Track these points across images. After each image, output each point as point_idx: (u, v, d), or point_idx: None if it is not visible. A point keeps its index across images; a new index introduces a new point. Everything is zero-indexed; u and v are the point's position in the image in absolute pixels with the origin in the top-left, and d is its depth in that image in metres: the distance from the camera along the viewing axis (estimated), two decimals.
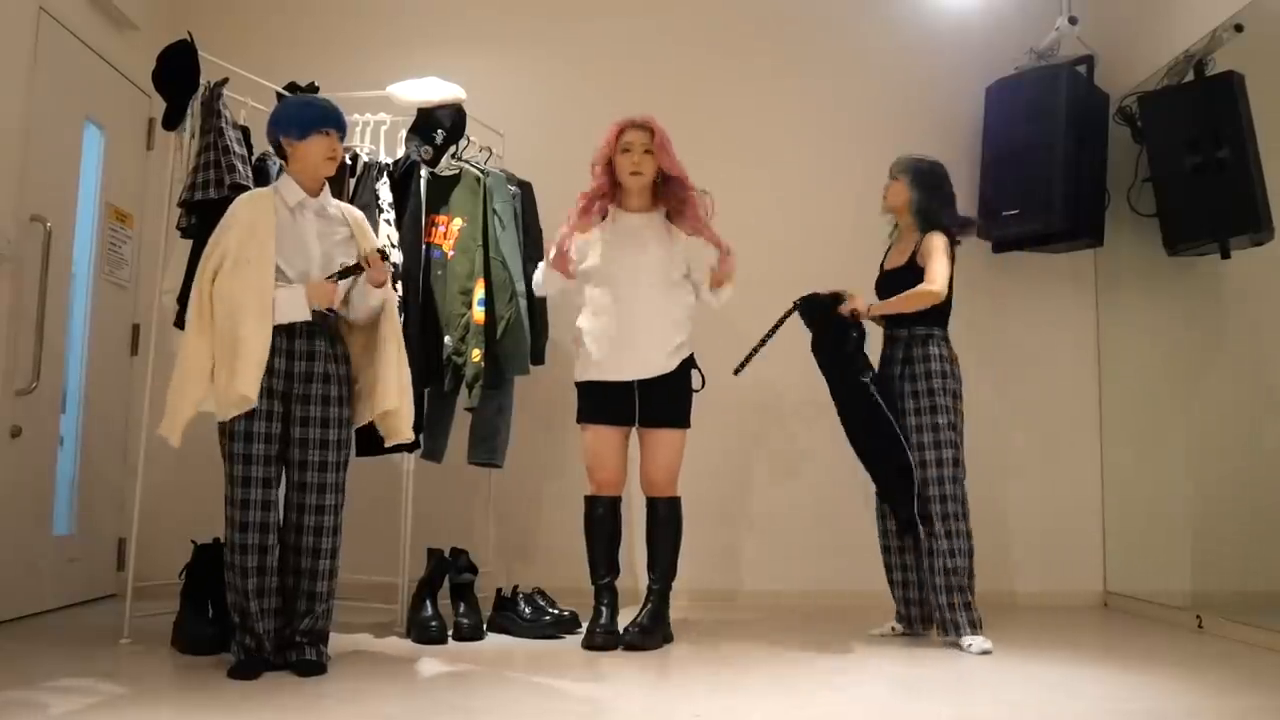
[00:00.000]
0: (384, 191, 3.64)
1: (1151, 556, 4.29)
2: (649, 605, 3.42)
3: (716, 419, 4.51)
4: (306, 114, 2.96)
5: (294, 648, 2.86)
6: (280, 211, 2.90)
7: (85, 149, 4.02)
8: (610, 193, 3.49)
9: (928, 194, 3.64)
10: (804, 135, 4.74)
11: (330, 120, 2.97)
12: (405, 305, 3.57)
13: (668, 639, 3.43)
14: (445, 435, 3.80)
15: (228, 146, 3.31)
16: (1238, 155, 3.71)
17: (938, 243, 3.54)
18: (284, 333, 2.87)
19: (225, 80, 3.47)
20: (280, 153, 3.01)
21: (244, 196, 2.98)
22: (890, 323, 3.68)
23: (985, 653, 3.31)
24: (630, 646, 3.29)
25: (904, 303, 3.54)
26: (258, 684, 2.73)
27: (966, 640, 3.38)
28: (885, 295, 3.64)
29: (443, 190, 3.78)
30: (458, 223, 3.73)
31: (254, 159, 3.64)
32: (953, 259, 3.59)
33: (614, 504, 3.49)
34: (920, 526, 3.48)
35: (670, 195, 3.49)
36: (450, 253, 3.72)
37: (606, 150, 3.46)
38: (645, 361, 3.41)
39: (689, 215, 3.48)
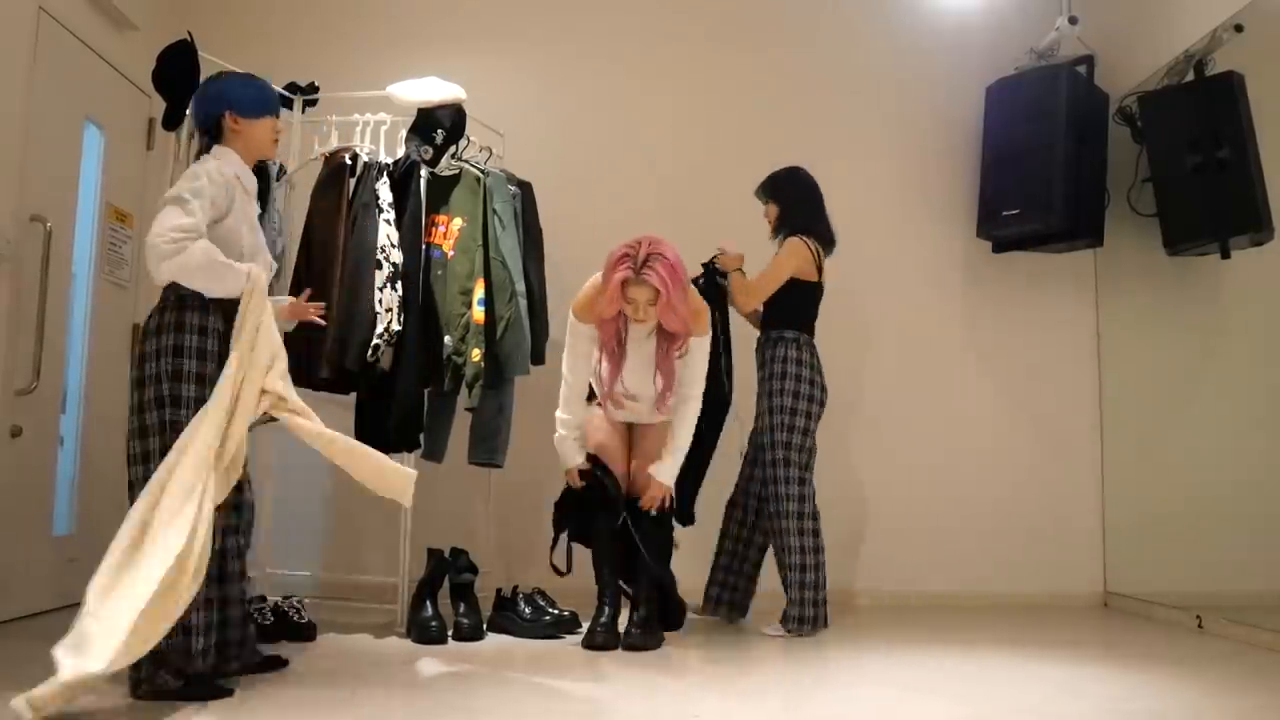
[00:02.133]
0: (384, 191, 3.64)
1: (1151, 556, 4.29)
2: (648, 605, 3.43)
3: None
4: (264, 95, 2.91)
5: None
6: (242, 195, 2.82)
7: (85, 149, 4.02)
8: (621, 327, 3.39)
9: (786, 202, 3.82)
10: (804, 134, 4.73)
11: (278, 106, 2.98)
12: (405, 305, 3.58)
13: (684, 610, 3.53)
14: (445, 435, 3.80)
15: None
16: (1238, 155, 3.71)
17: (781, 254, 3.71)
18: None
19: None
20: (211, 128, 2.86)
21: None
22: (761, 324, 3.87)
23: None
24: (631, 646, 3.29)
25: (735, 280, 3.76)
26: (257, 684, 2.72)
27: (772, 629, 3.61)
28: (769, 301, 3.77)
29: (443, 190, 3.78)
30: (458, 223, 3.73)
31: None
32: (820, 266, 3.75)
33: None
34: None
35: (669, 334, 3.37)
36: (450, 253, 3.72)
37: (612, 299, 3.26)
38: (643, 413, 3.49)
39: (676, 347, 3.38)
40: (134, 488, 2.62)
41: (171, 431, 2.57)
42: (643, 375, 3.42)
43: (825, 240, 3.79)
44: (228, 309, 2.68)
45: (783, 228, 3.79)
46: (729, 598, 3.83)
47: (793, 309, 3.72)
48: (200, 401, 2.60)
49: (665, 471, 3.45)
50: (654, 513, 3.44)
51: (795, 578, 3.56)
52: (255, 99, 2.88)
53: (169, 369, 2.60)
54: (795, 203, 3.81)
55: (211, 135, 2.86)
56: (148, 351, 2.64)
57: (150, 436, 2.61)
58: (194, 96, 2.95)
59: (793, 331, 3.71)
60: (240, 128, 2.85)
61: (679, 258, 3.28)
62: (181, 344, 2.62)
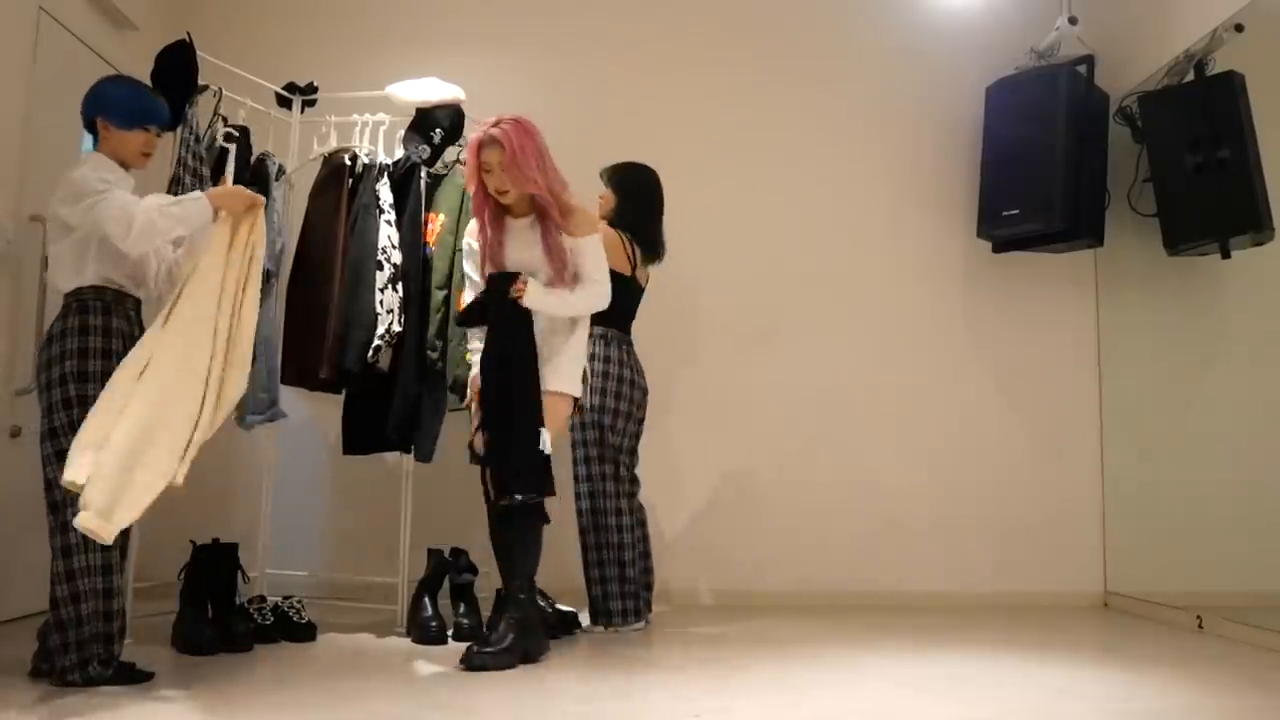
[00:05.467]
0: (384, 192, 3.64)
1: (1151, 556, 4.29)
2: (508, 618, 3.10)
3: (716, 418, 4.52)
4: (136, 105, 2.91)
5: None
6: None
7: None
8: (492, 206, 3.24)
9: (626, 197, 3.78)
10: (803, 135, 4.74)
11: (155, 118, 2.94)
12: (406, 307, 3.58)
13: (534, 654, 3.10)
14: (435, 435, 3.78)
15: (182, 158, 3.35)
16: (1238, 155, 3.71)
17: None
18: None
19: (205, 88, 3.47)
20: (90, 128, 2.91)
21: None
22: None
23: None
24: (476, 668, 2.95)
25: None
26: (256, 683, 2.73)
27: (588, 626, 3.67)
28: None
29: (435, 189, 3.78)
30: (441, 219, 3.74)
31: (254, 158, 3.65)
32: (634, 265, 3.70)
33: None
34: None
35: (537, 206, 3.22)
36: (434, 249, 3.72)
37: (470, 167, 3.21)
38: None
39: (554, 222, 3.22)
40: (50, 488, 2.73)
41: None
42: (529, 253, 3.23)
43: (649, 244, 3.74)
44: (129, 310, 2.82)
45: (615, 221, 3.73)
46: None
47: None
48: None
49: (538, 290, 3.16)
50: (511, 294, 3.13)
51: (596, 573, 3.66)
52: (123, 107, 2.89)
53: (74, 370, 2.69)
54: (634, 201, 3.77)
55: (94, 140, 2.92)
56: (53, 355, 2.73)
57: (61, 437, 2.69)
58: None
59: (600, 328, 3.63)
60: (109, 134, 2.88)
61: (534, 126, 3.18)
62: (86, 346, 2.71)
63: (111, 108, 2.88)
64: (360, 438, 3.68)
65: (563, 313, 3.24)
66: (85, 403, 2.65)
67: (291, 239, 3.79)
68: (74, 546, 2.65)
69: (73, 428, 2.64)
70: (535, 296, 3.16)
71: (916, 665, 3.17)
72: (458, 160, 3.81)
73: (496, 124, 3.16)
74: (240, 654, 3.11)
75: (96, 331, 2.73)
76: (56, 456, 2.69)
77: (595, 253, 3.27)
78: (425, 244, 3.71)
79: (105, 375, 2.67)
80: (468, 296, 3.36)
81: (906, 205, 4.71)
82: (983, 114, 4.54)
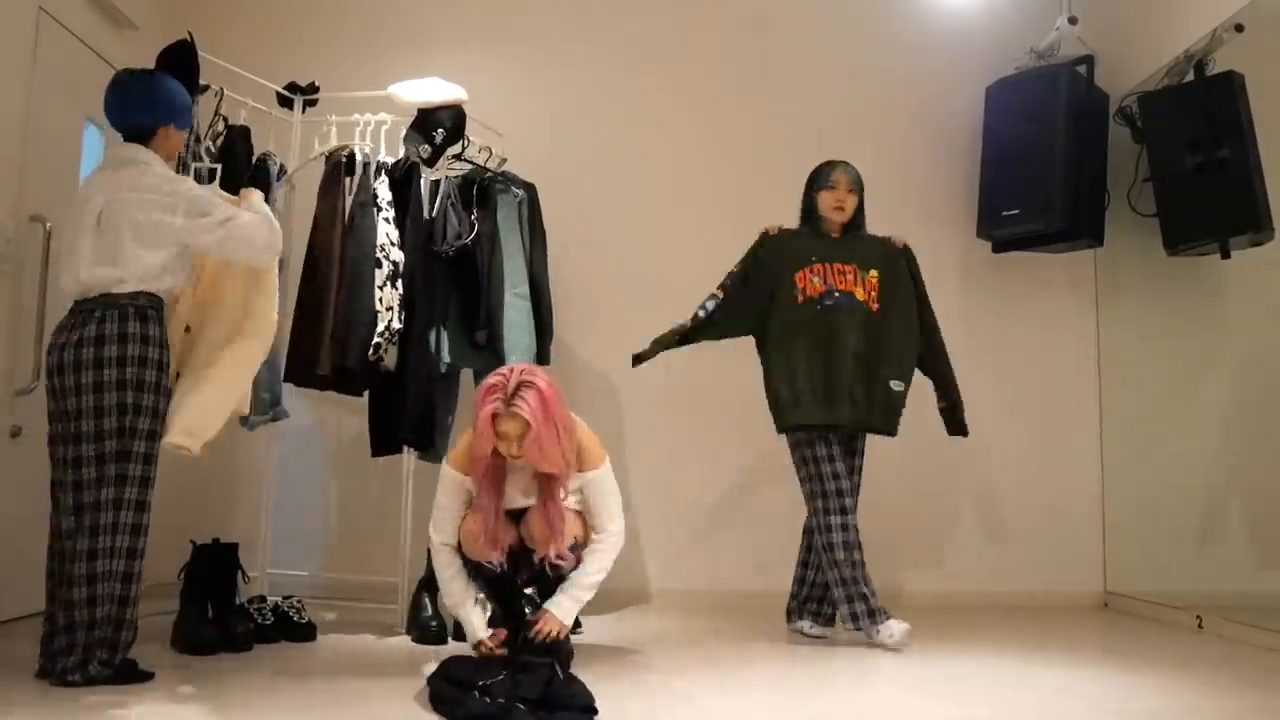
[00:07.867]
0: (383, 190, 3.64)
1: (1151, 556, 4.29)
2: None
3: (712, 418, 4.52)
4: (189, 106, 3.04)
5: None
6: None
7: (85, 149, 4.02)
8: (498, 459, 2.91)
9: (862, 198, 3.83)
10: (803, 134, 4.74)
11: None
12: (411, 305, 3.59)
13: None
14: (446, 434, 3.80)
15: (182, 158, 3.37)
16: (1238, 155, 3.72)
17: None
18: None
19: (206, 87, 3.48)
20: (143, 133, 2.91)
21: None
22: None
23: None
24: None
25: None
26: (256, 684, 2.73)
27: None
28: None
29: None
30: None
31: (255, 158, 3.65)
32: None
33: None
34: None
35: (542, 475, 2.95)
36: None
37: (486, 437, 2.83)
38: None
39: (561, 486, 2.94)
40: (81, 489, 2.71)
41: (130, 438, 2.70)
42: (528, 500, 3.01)
43: None
44: (164, 318, 2.85)
45: (862, 224, 3.81)
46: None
47: None
48: (156, 413, 2.75)
49: (563, 609, 2.95)
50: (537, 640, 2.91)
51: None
52: (187, 109, 2.98)
53: (134, 378, 2.70)
54: (863, 200, 3.84)
55: (140, 138, 2.91)
56: (108, 356, 2.70)
57: (106, 439, 2.69)
58: (134, 96, 2.95)
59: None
60: (170, 136, 2.93)
61: (553, 388, 2.85)
62: (147, 355, 2.73)
63: (181, 111, 2.95)
64: (384, 439, 3.68)
65: (593, 589, 3.03)
66: (139, 411, 2.72)
67: (294, 240, 3.78)
68: (100, 551, 2.65)
69: (120, 433, 2.70)
70: (569, 613, 2.96)
71: (916, 665, 3.17)
72: (502, 174, 3.82)
73: (514, 394, 2.78)
74: (240, 654, 3.12)
75: (155, 342, 2.77)
76: (96, 459, 2.72)
77: (609, 485, 3.04)
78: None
79: (157, 387, 2.75)
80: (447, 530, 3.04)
81: (906, 205, 4.70)
82: (983, 114, 4.54)
